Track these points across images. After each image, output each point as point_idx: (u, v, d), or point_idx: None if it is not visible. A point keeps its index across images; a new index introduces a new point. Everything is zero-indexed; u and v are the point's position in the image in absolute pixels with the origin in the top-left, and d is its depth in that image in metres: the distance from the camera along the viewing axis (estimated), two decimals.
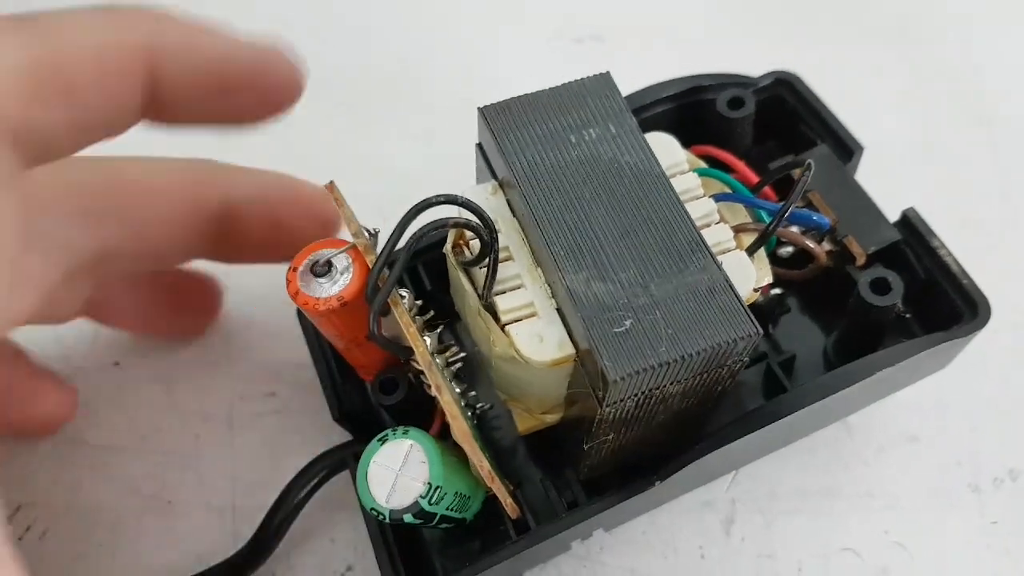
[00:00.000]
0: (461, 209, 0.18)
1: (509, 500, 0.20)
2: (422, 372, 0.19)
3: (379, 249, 0.19)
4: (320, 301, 0.19)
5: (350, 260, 0.20)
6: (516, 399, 0.23)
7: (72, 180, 0.22)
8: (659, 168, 0.20)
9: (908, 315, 0.23)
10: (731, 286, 0.18)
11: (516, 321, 0.19)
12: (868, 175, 0.26)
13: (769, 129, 0.27)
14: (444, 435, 0.21)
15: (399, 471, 0.19)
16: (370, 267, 0.19)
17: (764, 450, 0.26)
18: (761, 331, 0.18)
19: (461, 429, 0.19)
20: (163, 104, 0.20)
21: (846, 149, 0.26)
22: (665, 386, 0.18)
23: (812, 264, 0.23)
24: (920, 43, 0.38)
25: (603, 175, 0.20)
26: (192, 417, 0.29)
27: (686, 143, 0.23)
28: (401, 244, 0.18)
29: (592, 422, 0.19)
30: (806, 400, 0.22)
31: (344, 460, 0.24)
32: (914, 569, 0.26)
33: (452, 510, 0.20)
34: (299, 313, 0.25)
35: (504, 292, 0.20)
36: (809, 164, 0.21)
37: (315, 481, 0.24)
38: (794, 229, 0.23)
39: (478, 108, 0.21)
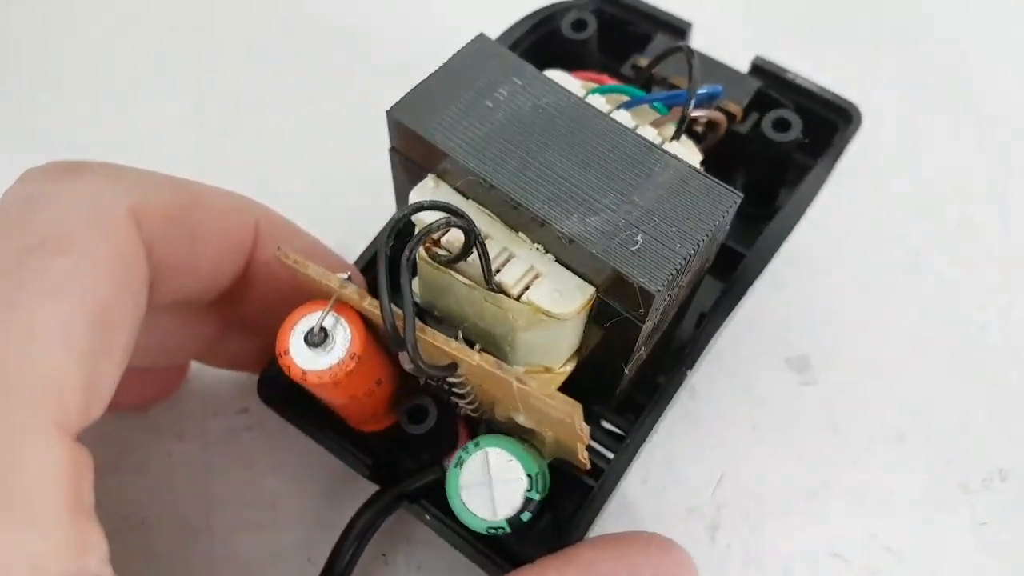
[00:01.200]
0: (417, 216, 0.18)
1: (585, 452, 0.21)
2: (449, 385, 0.19)
3: (350, 290, 0.18)
4: (336, 368, 0.18)
5: (336, 317, 0.19)
6: (538, 365, 0.23)
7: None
8: (576, 97, 0.21)
9: (807, 140, 0.25)
10: (696, 168, 0.20)
11: (527, 288, 0.20)
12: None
13: (608, 43, 0.29)
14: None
15: (492, 481, 0.19)
16: (359, 311, 0.19)
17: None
18: (741, 194, 0.20)
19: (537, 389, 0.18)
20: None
21: (679, 31, 0.28)
22: (682, 279, 0.20)
23: (712, 133, 0.25)
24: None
25: (535, 124, 0.20)
26: (165, 435, 0.28)
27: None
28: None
29: (630, 344, 0.20)
30: (767, 256, 0.24)
31: (387, 507, 0.23)
32: (903, 573, 0.26)
33: (545, 491, 0.20)
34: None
35: (500, 269, 0.20)
36: (687, 46, 0.22)
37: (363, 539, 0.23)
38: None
39: (387, 112, 0.20)
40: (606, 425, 0.24)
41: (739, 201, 0.19)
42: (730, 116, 0.26)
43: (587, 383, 0.24)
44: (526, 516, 0.18)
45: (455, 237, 0.20)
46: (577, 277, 0.20)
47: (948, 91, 0.37)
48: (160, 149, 0.35)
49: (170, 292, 0.20)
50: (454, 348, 0.18)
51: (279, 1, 0.40)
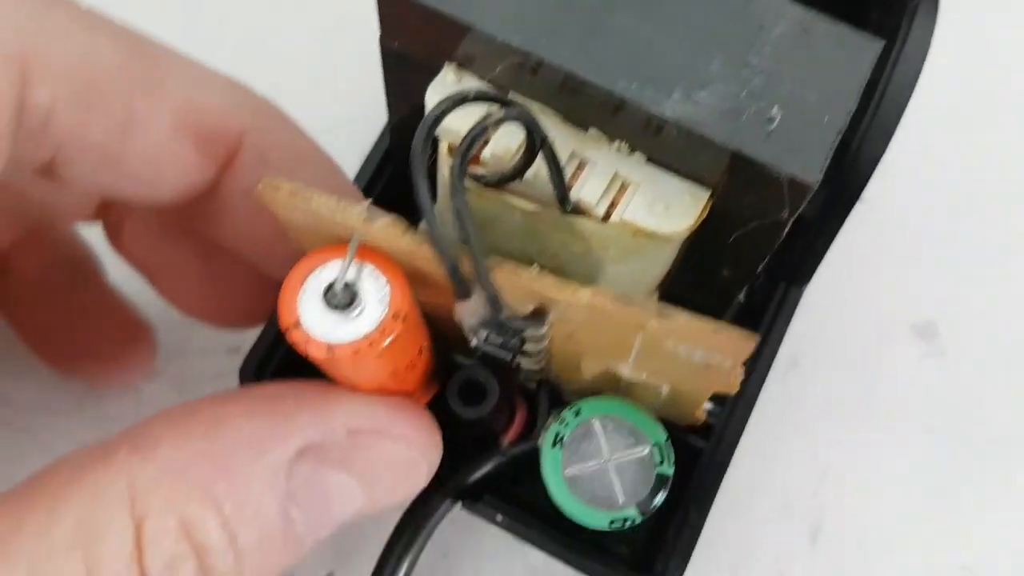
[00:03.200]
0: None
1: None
2: (520, 342, 0.14)
3: (381, 224, 0.13)
4: (375, 335, 0.13)
5: (359, 265, 0.13)
6: None
7: None
8: None
9: None
10: (816, 12, 0.15)
11: (613, 205, 0.14)
12: None
13: None
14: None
15: (607, 459, 0.14)
16: (390, 254, 0.13)
17: None
18: (882, 40, 0.14)
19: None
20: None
21: None
22: None
23: None
24: None
25: None
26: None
27: None
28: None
29: (756, 261, 0.15)
30: (885, 137, 0.19)
31: (440, 510, 0.18)
32: None
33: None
34: None
35: (571, 186, 0.14)
36: None
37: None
38: None
39: None
40: None
41: (880, 49, 0.14)
42: None
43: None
44: (660, 499, 0.14)
45: (502, 148, 0.14)
46: (682, 180, 0.14)
47: None
48: None
49: (94, 185, 0.16)
50: (550, 286, 0.13)
51: None
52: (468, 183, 0.14)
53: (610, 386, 0.16)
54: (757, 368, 0.18)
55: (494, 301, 0.12)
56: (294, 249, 0.14)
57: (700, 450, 0.18)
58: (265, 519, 0.13)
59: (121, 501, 0.12)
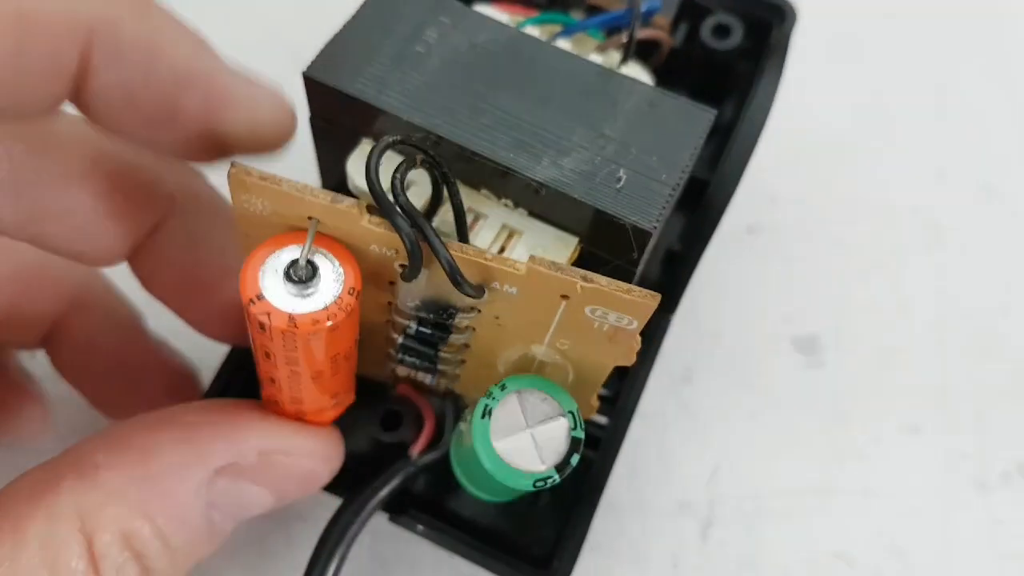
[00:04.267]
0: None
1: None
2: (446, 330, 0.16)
3: (346, 205, 0.15)
4: (334, 308, 0.15)
5: (317, 249, 0.15)
6: None
7: None
8: (514, 30, 0.19)
9: (748, 44, 0.24)
10: (660, 89, 0.18)
11: (503, 250, 0.17)
12: None
13: None
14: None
15: (529, 427, 0.16)
16: (343, 240, 0.15)
17: None
18: (714, 110, 0.18)
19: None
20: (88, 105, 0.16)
21: None
22: (667, 213, 0.18)
23: (657, 50, 0.23)
24: None
25: (476, 64, 0.18)
26: None
27: None
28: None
29: (627, 279, 0.18)
30: (733, 179, 0.22)
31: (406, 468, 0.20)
32: None
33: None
34: None
35: (468, 235, 0.17)
36: None
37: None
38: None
39: (304, 74, 0.17)
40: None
41: (713, 118, 0.18)
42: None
43: None
44: (575, 459, 0.16)
45: (420, 196, 0.17)
46: (556, 230, 0.17)
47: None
48: None
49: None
50: (494, 260, 0.15)
51: None
52: None
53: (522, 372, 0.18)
54: (634, 385, 0.21)
55: (453, 268, 0.15)
56: (220, 303, 0.17)
57: (591, 460, 0.21)
58: (191, 525, 0.16)
59: (72, 523, 0.15)
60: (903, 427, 0.26)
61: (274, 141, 0.18)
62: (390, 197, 0.15)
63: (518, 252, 0.17)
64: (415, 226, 0.15)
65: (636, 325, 0.16)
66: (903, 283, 0.29)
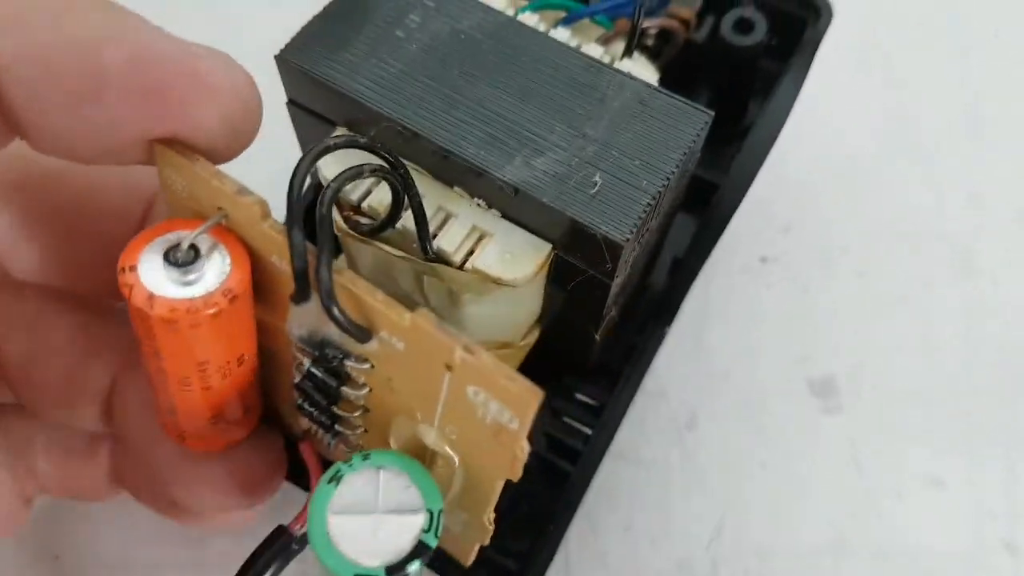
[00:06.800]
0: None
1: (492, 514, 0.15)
2: (342, 379, 0.14)
3: (251, 200, 0.13)
4: (199, 302, 0.13)
5: (214, 241, 0.13)
6: (494, 341, 0.20)
7: None
8: (503, 16, 0.17)
9: (773, 42, 0.22)
10: (655, 87, 0.16)
11: (471, 254, 0.16)
12: None
13: None
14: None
15: (377, 511, 0.13)
16: (247, 243, 0.14)
17: None
18: (711, 112, 0.16)
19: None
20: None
21: None
22: (652, 222, 0.16)
23: (667, 45, 0.22)
24: None
25: (457, 53, 0.17)
26: None
27: None
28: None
29: (599, 306, 0.17)
30: (744, 183, 0.21)
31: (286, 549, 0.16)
32: None
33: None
34: None
35: (437, 234, 0.16)
36: None
37: None
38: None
39: (276, 57, 0.17)
40: (581, 398, 0.21)
41: (710, 120, 0.16)
42: (683, 24, 0.23)
43: (554, 354, 0.21)
44: (414, 567, 0.13)
45: (381, 201, 0.16)
46: (529, 234, 0.16)
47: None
48: None
49: None
50: (380, 302, 0.13)
51: None
52: (350, 232, 0.17)
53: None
54: (615, 408, 0.20)
55: (328, 293, 0.12)
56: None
57: (567, 473, 0.20)
58: None
59: None
60: (927, 480, 0.24)
61: (232, 114, 0.14)
62: (322, 208, 0.13)
63: (487, 255, 0.16)
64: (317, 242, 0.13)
65: (517, 425, 0.12)
66: (929, 319, 0.26)
